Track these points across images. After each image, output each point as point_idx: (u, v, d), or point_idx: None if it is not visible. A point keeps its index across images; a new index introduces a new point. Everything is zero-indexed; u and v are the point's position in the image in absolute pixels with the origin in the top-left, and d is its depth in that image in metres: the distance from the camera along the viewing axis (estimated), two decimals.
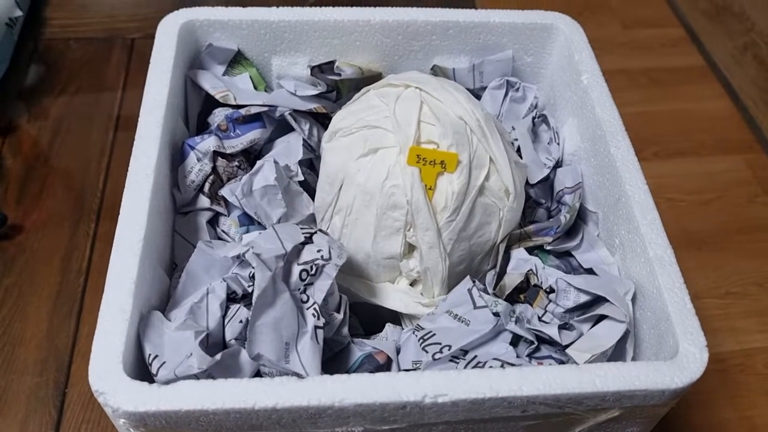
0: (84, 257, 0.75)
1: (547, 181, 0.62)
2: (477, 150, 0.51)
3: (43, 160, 0.83)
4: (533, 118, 0.66)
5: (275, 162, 0.55)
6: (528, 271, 0.54)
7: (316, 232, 0.50)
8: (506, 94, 0.66)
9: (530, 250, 0.56)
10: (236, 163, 0.58)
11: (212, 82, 0.62)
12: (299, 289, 0.47)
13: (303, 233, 0.49)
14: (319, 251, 0.48)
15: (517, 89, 0.66)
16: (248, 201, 0.55)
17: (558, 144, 0.64)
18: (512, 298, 0.54)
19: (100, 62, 0.95)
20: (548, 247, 0.56)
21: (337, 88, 0.63)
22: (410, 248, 0.53)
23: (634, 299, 0.51)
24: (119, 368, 0.41)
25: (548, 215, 0.62)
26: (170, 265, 0.54)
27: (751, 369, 0.71)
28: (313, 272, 0.48)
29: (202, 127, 0.63)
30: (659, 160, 0.91)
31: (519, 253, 0.55)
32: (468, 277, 0.52)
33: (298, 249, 0.48)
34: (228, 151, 0.57)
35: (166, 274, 0.52)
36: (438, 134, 0.51)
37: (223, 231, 0.57)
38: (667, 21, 1.10)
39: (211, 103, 0.62)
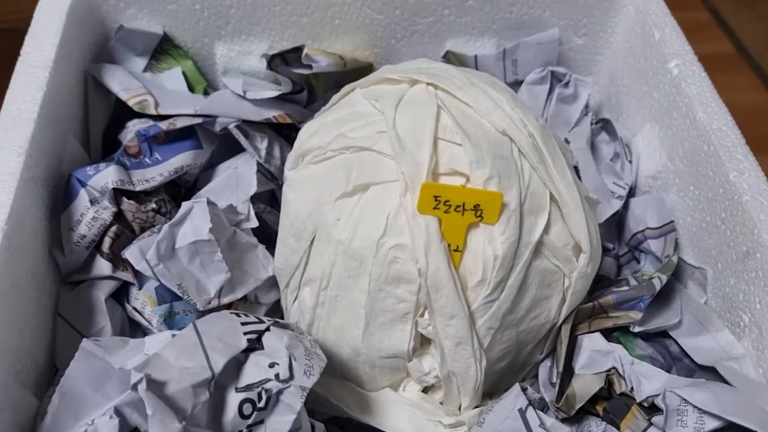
0: None
1: (614, 216, 0.43)
2: (531, 184, 0.32)
3: None
4: (591, 125, 0.46)
5: (210, 203, 0.36)
6: (609, 370, 0.34)
7: (268, 329, 0.30)
8: (551, 91, 0.47)
9: (607, 332, 0.36)
10: (153, 206, 0.39)
11: (125, 81, 0.44)
12: None
13: (245, 333, 0.29)
14: (272, 365, 0.29)
15: (566, 84, 0.48)
16: (167, 267, 0.35)
17: (630, 162, 0.45)
18: (584, 408, 0.34)
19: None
20: (636, 329, 0.36)
21: (308, 87, 0.47)
22: (424, 340, 0.34)
23: None
24: None
25: (618, 266, 0.43)
26: (45, 372, 0.35)
27: None
28: (262, 404, 0.28)
29: (113, 149, 0.43)
30: None
31: (593, 341, 0.35)
32: (517, 385, 0.33)
33: (238, 362, 0.29)
34: (138, 188, 0.38)
35: (33, 391, 0.33)
36: (468, 160, 0.31)
37: (135, 310, 0.37)
38: (690, 4, 1.05)
39: (125, 114, 0.43)
